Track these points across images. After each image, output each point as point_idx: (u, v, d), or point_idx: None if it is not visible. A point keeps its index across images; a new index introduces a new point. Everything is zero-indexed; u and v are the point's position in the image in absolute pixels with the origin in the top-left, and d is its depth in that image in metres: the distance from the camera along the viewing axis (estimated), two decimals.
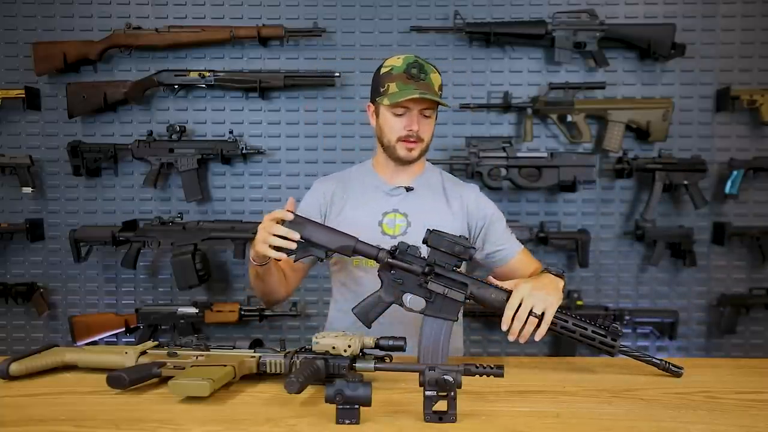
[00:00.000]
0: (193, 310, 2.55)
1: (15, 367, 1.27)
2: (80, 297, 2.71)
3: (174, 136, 2.55)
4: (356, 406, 1.02)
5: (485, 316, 2.61)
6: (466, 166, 2.50)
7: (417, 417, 1.05)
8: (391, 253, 1.34)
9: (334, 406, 1.03)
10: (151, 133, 2.56)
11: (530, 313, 1.31)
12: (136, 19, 2.59)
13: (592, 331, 1.32)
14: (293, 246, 1.34)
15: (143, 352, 1.29)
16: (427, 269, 1.31)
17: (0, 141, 2.65)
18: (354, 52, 2.62)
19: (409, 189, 1.65)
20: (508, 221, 2.53)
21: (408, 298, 1.35)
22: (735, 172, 2.56)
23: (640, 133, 2.58)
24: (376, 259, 1.35)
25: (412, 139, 1.56)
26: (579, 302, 2.57)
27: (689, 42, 2.56)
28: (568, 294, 2.58)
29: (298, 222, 1.36)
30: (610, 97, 2.59)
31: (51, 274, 2.70)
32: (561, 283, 1.41)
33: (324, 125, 2.63)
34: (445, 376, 1.03)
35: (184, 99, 2.63)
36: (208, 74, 2.53)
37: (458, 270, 1.35)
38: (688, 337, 2.69)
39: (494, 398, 1.17)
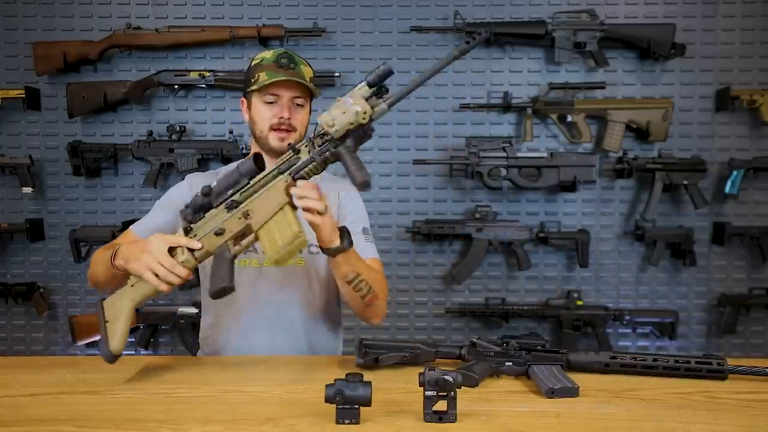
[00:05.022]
0: (193, 310, 2.55)
1: None
2: (80, 297, 2.71)
3: (174, 136, 2.55)
4: (356, 406, 1.03)
5: (485, 315, 2.62)
6: (466, 166, 2.50)
7: (417, 417, 1.05)
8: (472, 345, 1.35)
9: (334, 406, 1.03)
10: (151, 133, 2.56)
11: None
12: (136, 19, 2.59)
13: (696, 362, 1.30)
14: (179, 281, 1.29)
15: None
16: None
17: (0, 141, 2.65)
18: (354, 52, 2.62)
19: None
20: (508, 221, 2.58)
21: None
22: (735, 172, 2.56)
23: (640, 133, 2.58)
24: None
25: (283, 127, 1.54)
26: (579, 302, 2.57)
27: (689, 42, 2.56)
28: (567, 294, 2.59)
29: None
30: (610, 97, 2.59)
31: (51, 274, 2.70)
32: None
33: None
34: (445, 376, 1.03)
35: (184, 99, 2.63)
36: (208, 74, 2.53)
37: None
38: (688, 337, 2.68)
39: (494, 398, 1.17)
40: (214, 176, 1.65)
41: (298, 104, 1.56)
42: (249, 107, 1.61)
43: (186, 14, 2.61)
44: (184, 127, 2.56)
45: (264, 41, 2.56)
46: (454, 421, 1.04)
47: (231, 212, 1.28)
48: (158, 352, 2.64)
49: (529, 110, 2.54)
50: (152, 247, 1.27)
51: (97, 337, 2.56)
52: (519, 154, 2.51)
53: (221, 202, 1.30)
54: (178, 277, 1.26)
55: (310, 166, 1.25)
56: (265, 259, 1.49)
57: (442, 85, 2.62)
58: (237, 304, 1.56)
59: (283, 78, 1.51)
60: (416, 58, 2.61)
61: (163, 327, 2.57)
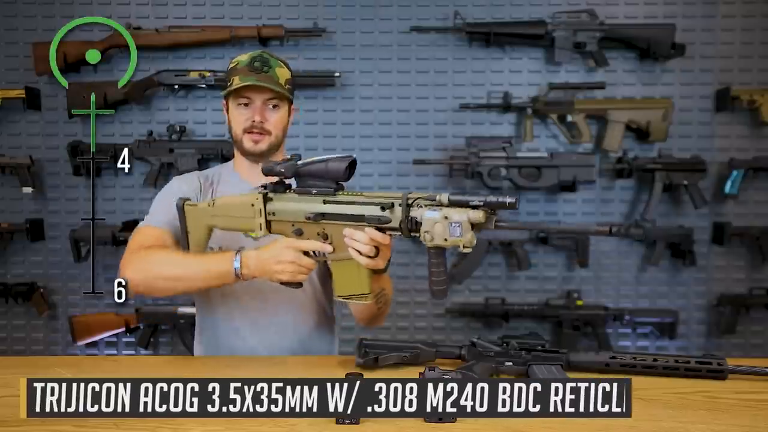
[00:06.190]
0: (193, 310, 2.53)
1: None
2: (80, 297, 2.71)
3: (174, 136, 2.55)
4: None
5: (485, 315, 2.62)
6: (466, 166, 2.51)
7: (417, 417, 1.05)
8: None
9: None
10: (151, 133, 2.56)
11: None
12: (136, 19, 2.59)
13: (696, 362, 1.30)
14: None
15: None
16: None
17: (0, 141, 2.65)
18: (354, 52, 2.62)
19: None
20: (508, 221, 2.57)
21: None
22: (735, 172, 2.56)
23: (640, 133, 2.58)
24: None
25: (256, 131, 1.54)
26: (579, 302, 2.57)
27: (689, 42, 2.56)
28: (567, 294, 2.59)
29: None
30: (610, 97, 2.59)
31: (51, 274, 2.69)
32: None
33: (324, 125, 2.63)
34: (445, 376, 1.03)
35: (184, 99, 2.63)
36: (208, 74, 2.53)
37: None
38: (688, 337, 2.69)
39: None
40: (201, 176, 1.66)
41: (273, 105, 1.55)
42: (227, 110, 1.59)
43: (186, 14, 2.61)
44: (184, 127, 2.56)
45: (264, 41, 2.56)
46: (454, 421, 1.04)
47: (312, 220, 1.28)
48: (158, 352, 2.64)
49: (529, 110, 2.54)
50: (288, 257, 1.31)
51: (97, 337, 2.58)
52: (519, 154, 2.52)
53: (302, 188, 1.30)
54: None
55: (394, 230, 1.24)
56: None
57: (442, 85, 2.62)
58: (231, 304, 1.56)
59: (251, 83, 1.49)
60: (416, 58, 2.61)
61: (163, 327, 2.57)
